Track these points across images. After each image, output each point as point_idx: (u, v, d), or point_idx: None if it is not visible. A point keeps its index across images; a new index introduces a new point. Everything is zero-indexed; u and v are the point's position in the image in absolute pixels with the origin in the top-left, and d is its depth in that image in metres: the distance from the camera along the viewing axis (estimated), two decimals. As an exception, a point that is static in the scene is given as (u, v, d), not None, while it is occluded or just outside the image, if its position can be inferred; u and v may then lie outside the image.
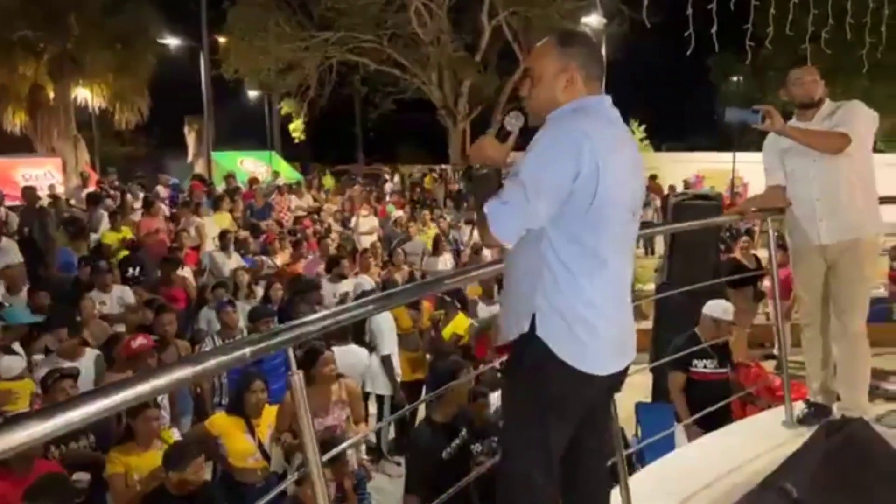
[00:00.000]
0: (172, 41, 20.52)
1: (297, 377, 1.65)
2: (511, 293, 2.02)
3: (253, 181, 14.80)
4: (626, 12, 18.29)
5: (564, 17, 18.02)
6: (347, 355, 5.79)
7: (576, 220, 1.88)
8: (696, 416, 3.99)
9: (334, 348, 5.19)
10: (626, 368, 2.04)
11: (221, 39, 21.05)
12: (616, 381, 2.04)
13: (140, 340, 5.06)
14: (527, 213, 1.85)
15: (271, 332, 1.63)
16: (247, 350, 1.50)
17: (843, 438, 2.20)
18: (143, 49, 18.17)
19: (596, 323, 1.90)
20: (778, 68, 17.38)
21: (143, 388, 1.29)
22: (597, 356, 1.92)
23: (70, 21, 16.37)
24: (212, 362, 1.47)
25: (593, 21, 17.53)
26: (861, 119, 3.27)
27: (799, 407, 3.62)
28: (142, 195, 12.99)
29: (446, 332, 6.74)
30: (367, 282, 7.81)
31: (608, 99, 2.03)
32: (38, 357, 5.54)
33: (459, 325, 6.69)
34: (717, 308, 5.00)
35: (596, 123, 1.92)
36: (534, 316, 1.90)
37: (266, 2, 19.36)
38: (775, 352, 8.25)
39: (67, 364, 5.08)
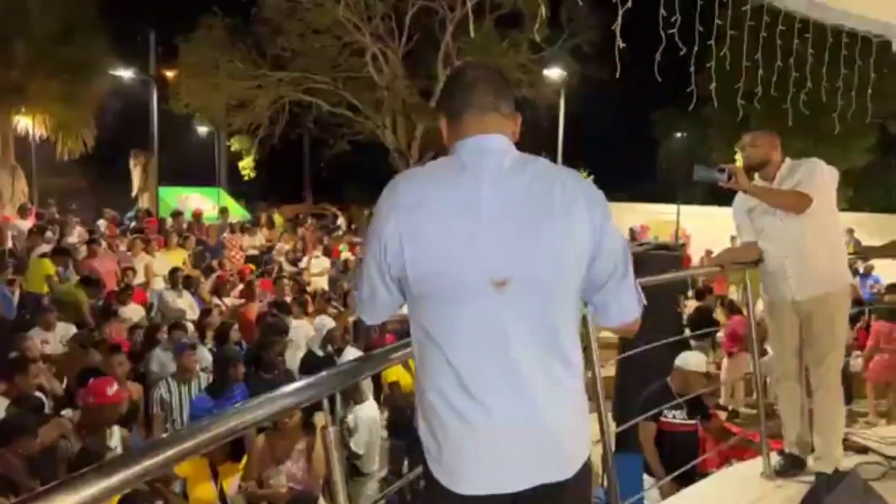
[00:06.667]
0: (123, 73, 20.10)
1: (331, 431, 1.57)
2: None
3: (197, 215, 14.37)
4: (576, 67, 18.89)
5: (519, 69, 18.42)
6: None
7: (412, 303, 1.53)
8: (673, 474, 3.98)
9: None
10: (548, 489, 1.49)
11: (172, 74, 20.79)
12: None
13: (115, 387, 4.57)
14: (359, 301, 1.63)
15: (313, 382, 1.54)
16: (289, 400, 1.44)
17: (843, 491, 2.25)
18: (91, 80, 17.60)
19: (460, 431, 1.46)
20: (720, 125, 18.29)
21: (201, 437, 1.21)
22: (472, 472, 1.48)
23: (16, 48, 15.82)
24: (256, 413, 1.39)
25: (553, 74, 17.73)
26: (821, 177, 3.36)
27: (773, 458, 3.69)
28: (79, 229, 12.48)
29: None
30: (329, 322, 7.67)
31: (478, 140, 1.54)
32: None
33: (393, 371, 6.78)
34: (692, 361, 5.03)
35: (421, 181, 1.54)
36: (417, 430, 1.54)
37: (219, 39, 19.21)
38: (721, 401, 8.54)
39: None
